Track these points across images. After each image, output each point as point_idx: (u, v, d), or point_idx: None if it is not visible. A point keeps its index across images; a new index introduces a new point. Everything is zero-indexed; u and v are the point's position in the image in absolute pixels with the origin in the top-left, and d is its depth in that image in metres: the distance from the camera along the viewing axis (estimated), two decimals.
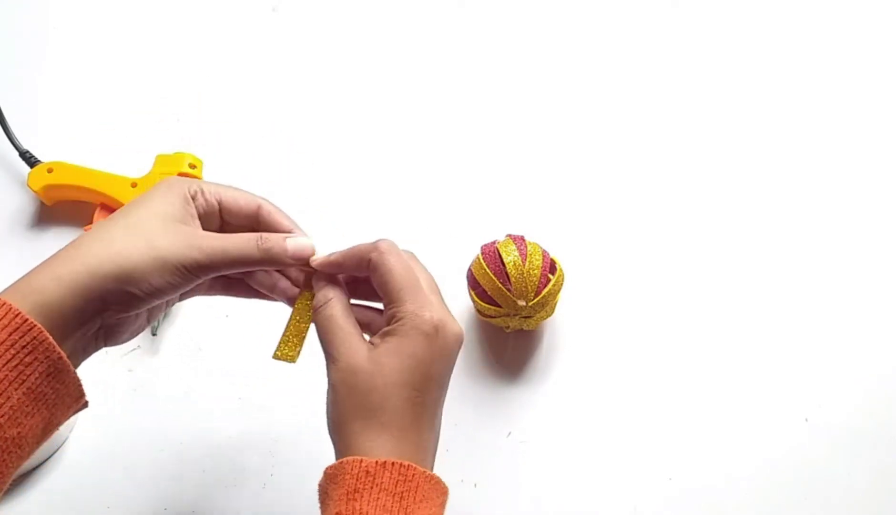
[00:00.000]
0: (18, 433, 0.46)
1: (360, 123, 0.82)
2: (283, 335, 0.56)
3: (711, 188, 0.79)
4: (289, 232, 0.55)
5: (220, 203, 0.54)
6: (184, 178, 0.54)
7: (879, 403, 0.71)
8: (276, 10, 0.88)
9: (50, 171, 0.75)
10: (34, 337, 0.46)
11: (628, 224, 0.78)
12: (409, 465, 0.48)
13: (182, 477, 0.68)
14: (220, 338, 0.73)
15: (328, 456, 0.68)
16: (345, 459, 0.48)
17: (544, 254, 0.68)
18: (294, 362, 0.56)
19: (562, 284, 0.69)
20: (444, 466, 0.68)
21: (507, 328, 0.70)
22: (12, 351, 0.45)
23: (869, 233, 0.78)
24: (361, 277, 0.55)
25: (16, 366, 0.45)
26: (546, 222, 0.76)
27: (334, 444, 0.51)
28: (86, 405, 0.50)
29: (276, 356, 0.56)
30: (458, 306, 0.74)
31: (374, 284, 0.53)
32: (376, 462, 0.47)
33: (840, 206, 0.79)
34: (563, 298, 0.70)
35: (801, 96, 0.84)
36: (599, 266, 0.75)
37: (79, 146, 0.79)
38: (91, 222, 0.75)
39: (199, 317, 0.74)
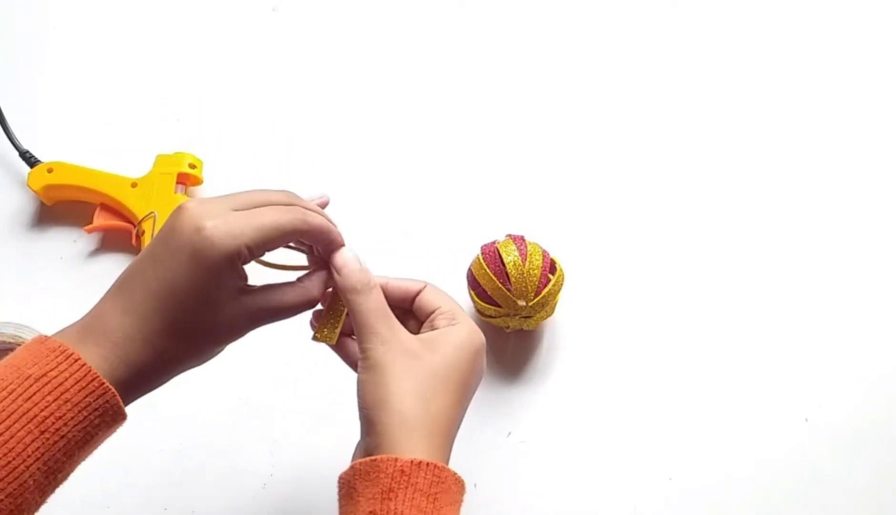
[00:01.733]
0: (67, 475, 0.49)
1: (360, 123, 0.82)
2: (323, 317, 0.56)
3: (711, 189, 0.79)
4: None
5: (266, 249, 0.51)
6: (224, 231, 0.48)
7: (879, 403, 0.71)
8: (276, 10, 0.88)
9: (50, 171, 0.75)
10: (107, 400, 0.48)
11: (628, 225, 0.78)
12: (442, 466, 0.48)
13: (182, 477, 0.68)
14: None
15: (328, 456, 0.68)
16: (379, 457, 0.48)
17: (544, 254, 0.68)
18: (334, 342, 0.56)
19: (562, 284, 0.69)
20: None
21: (507, 328, 0.70)
22: (85, 413, 0.47)
23: (869, 233, 0.78)
24: None
25: (85, 428, 0.47)
26: (546, 222, 0.76)
27: (372, 424, 0.49)
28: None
29: (316, 338, 0.56)
30: None
31: (418, 303, 0.55)
32: (411, 461, 0.47)
33: (840, 206, 0.79)
34: (563, 298, 0.70)
35: (801, 97, 0.84)
36: (599, 266, 0.75)
37: (79, 146, 0.79)
38: (91, 222, 0.75)
39: None
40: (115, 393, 0.47)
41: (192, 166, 0.76)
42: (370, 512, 0.46)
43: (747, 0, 0.88)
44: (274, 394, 0.71)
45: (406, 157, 0.81)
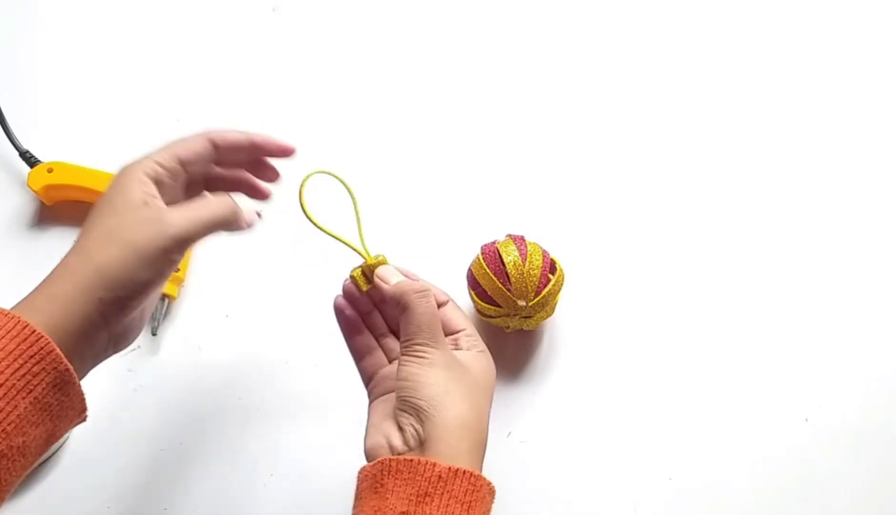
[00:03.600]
0: (23, 442, 0.46)
1: (360, 123, 0.82)
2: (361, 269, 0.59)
3: (711, 189, 0.79)
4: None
5: (180, 161, 0.55)
6: (135, 161, 0.54)
7: (879, 403, 0.71)
8: (276, 10, 0.88)
9: (50, 171, 0.75)
10: (41, 348, 0.47)
11: (628, 225, 0.78)
12: (478, 475, 0.49)
13: (182, 477, 0.68)
14: (220, 338, 0.73)
15: (328, 456, 0.68)
16: (417, 458, 0.48)
17: (544, 254, 0.68)
18: (363, 289, 0.59)
19: (562, 284, 0.69)
20: None
21: (507, 328, 0.70)
22: (20, 361, 0.46)
23: (869, 234, 0.78)
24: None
25: (23, 375, 0.46)
26: (546, 222, 0.76)
27: (428, 418, 0.50)
28: (85, 418, 0.51)
29: (352, 277, 0.59)
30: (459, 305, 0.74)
31: (443, 317, 0.56)
32: (449, 468, 0.48)
33: (839, 207, 0.79)
34: (563, 298, 0.70)
35: (801, 98, 0.84)
36: (599, 266, 0.75)
37: (79, 146, 0.79)
38: None
39: (199, 317, 0.74)
40: (49, 340, 0.47)
41: None
42: (402, 513, 0.47)
43: (747, 1, 0.89)
44: (274, 394, 0.71)
45: (406, 157, 0.81)
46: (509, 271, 0.66)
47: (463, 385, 0.52)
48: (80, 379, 0.50)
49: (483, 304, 0.68)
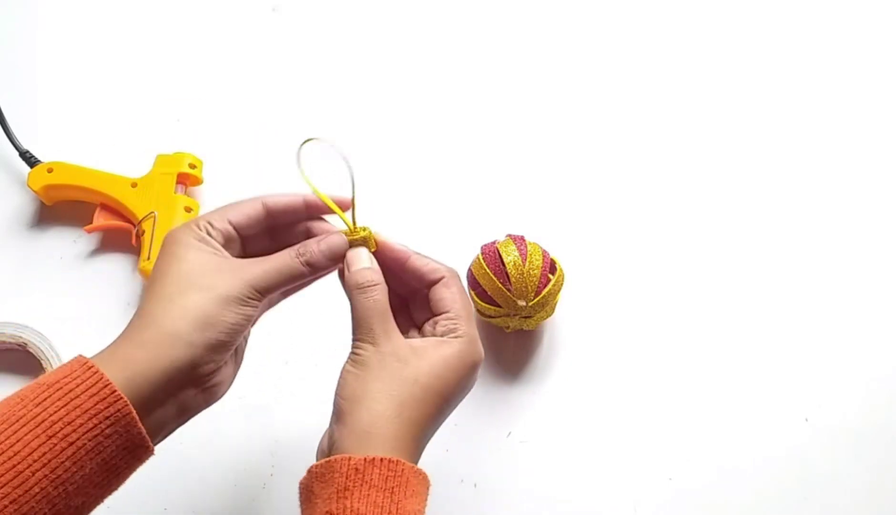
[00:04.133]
0: (83, 502, 0.46)
1: (359, 123, 0.82)
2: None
3: (711, 189, 0.79)
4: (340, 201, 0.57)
5: (233, 225, 0.54)
6: (182, 226, 0.54)
7: (879, 403, 0.71)
8: (276, 10, 0.88)
9: (50, 171, 0.75)
10: (118, 410, 0.46)
11: (628, 225, 0.78)
12: (397, 461, 0.48)
13: (182, 477, 0.68)
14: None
15: None
16: (333, 458, 0.48)
17: (544, 254, 0.68)
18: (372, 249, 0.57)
19: (562, 284, 0.69)
20: (444, 466, 0.68)
21: (507, 328, 0.70)
22: (95, 421, 0.45)
23: (869, 234, 0.78)
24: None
25: (95, 436, 0.45)
26: (546, 222, 0.76)
27: (342, 416, 0.50)
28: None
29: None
30: None
31: (433, 295, 0.55)
32: (364, 459, 0.47)
33: (839, 207, 0.79)
34: (563, 298, 0.70)
35: (801, 98, 0.84)
36: (599, 266, 0.75)
37: (79, 146, 0.79)
38: (91, 222, 0.75)
39: None
40: (127, 402, 0.46)
41: (192, 166, 0.76)
42: (327, 512, 0.47)
43: (747, 1, 0.89)
44: (274, 394, 0.71)
45: (406, 157, 0.81)
46: (509, 271, 0.66)
47: (390, 383, 0.50)
48: (164, 437, 0.50)
49: (483, 304, 0.68)
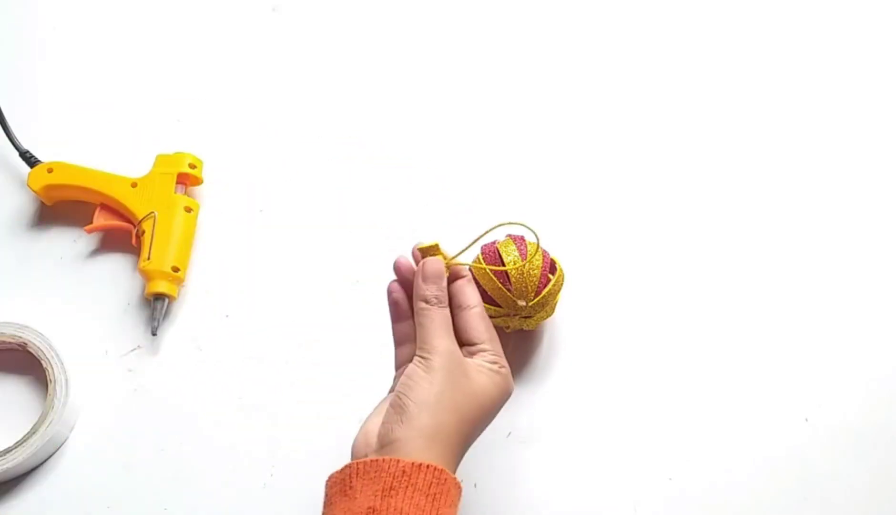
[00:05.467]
0: None
1: (359, 123, 0.82)
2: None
3: (712, 188, 0.79)
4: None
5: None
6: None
7: (879, 403, 0.71)
8: (276, 10, 0.88)
9: (50, 171, 0.75)
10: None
11: (629, 225, 0.78)
12: (442, 469, 0.51)
13: (182, 477, 0.68)
14: (220, 338, 0.73)
15: (327, 455, 0.68)
16: (381, 458, 0.51)
17: (544, 254, 0.68)
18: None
19: (562, 284, 0.69)
20: None
21: (507, 328, 0.70)
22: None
23: (869, 234, 0.78)
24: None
25: None
26: (546, 222, 0.76)
27: (410, 417, 0.53)
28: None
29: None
30: None
31: (466, 321, 0.59)
32: (412, 463, 0.50)
33: (840, 207, 0.79)
34: (563, 298, 0.70)
35: (801, 97, 0.84)
36: (599, 266, 0.75)
37: (79, 146, 0.79)
38: (91, 222, 0.75)
39: (199, 317, 0.74)
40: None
41: (192, 166, 0.76)
42: (369, 508, 0.49)
43: (747, 1, 0.89)
44: (274, 394, 0.71)
45: (406, 157, 0.81)
46: (509, 271, 0.66)
47: (458, 395, 0.54)
48: None
49: (483, 304, 0.68)
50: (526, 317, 0.68)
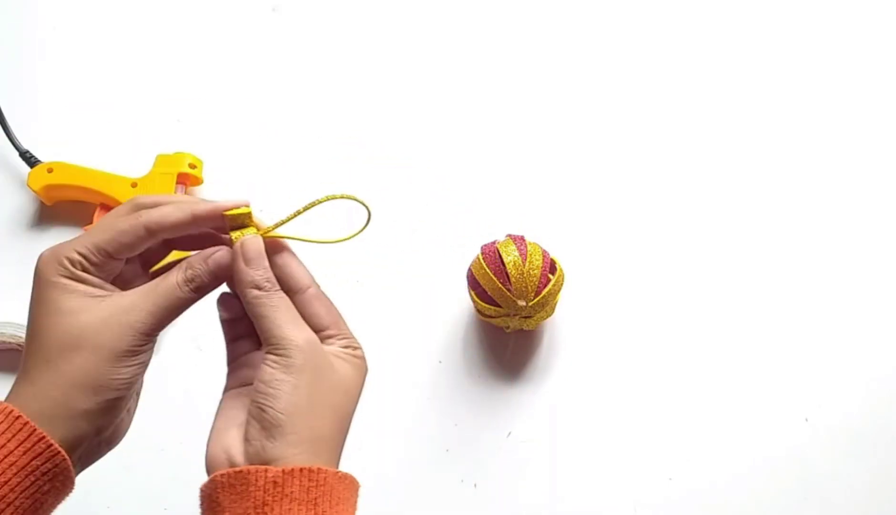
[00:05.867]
0: None
1: (359, 123, 0.82)
2: None
3: (712, 189, 0.79)
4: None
5: (106, 254, 0.49)
6: (50, 259, 0.49)
7: (879, 403, 0.71)
8: (276, 10, 0.88)
9: (50, 171, 0.75)
10: (57, 464, 0.44)
11: (628, 225, 0.78)
12: (318, 469, 0.44)
13: (182, 477, 0.68)
14: (220, 338, 0.73)
15: None
16: (245, 468, 0.44)
17: (544, 254, 0.68)
18: None
19: (562, 284, 0.69)
20: (444, 466, 0.68)
21: (507, 328, 0.70)
22: (32, 478, 0.43)
23: (868, 234, 0.78)
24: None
25: (33, 493, 0.43)
26: (546, 222, 0.76)
27: (283, 430, 0.45)
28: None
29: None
30: (459, 306, 0.74)
31: (305, 305, 0.50)
32: (282, 471, 0.43)
33: (840, 208, 0.79)
34: (563, 298, 0.70)
35: (801, 98, 0.84)
36: (599, 266, 0.75)
37: (79, 146, 0.79)
38: (91, 222, 0.75)
39: (199, 317, 0.74)
40: (66, 456, 0.44)
41: (192, 166, 0.76)
42: None
43: (747, 1, 0.89)
44: None
45: (407, 157, 0.81)
46: (509, 271, 0.66)
47: (330, 392, 0.47)
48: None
49: (483, 304, 0.68)
50: (526, 317, 0.68)
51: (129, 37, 0.86)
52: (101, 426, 0.46)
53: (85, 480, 0.68)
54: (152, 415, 0.70)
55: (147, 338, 0.47)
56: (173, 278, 0.48)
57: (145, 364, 0.48)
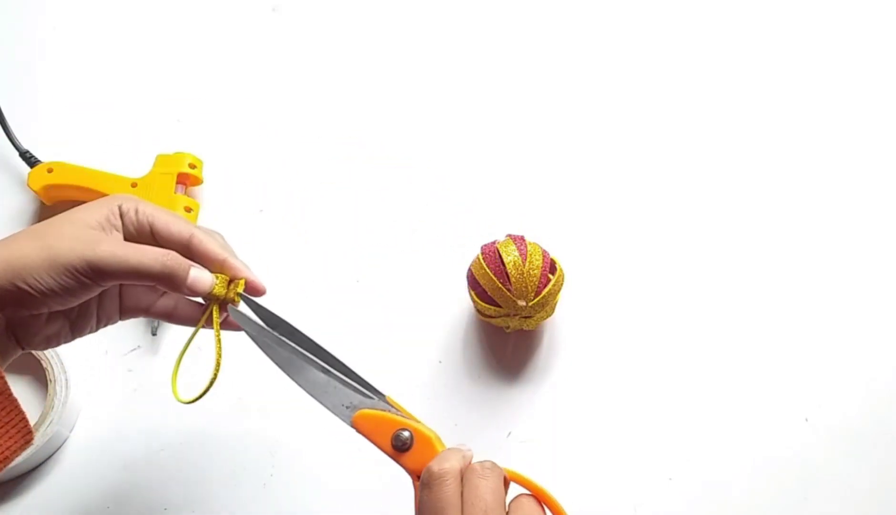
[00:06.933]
0: None
1: (359, 123, 0.82)
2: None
3: (711, 189, 0.79)
4: (219, 261, 0.55)
5: (151, 226, 0.54)
6: (125, 195, 0.54)
7: (879, 403, 0.71)
8: (276, 10, 0.88)
9: (50, 171, 0.75)
10: None
11: (628, 224, 0.78)
12: None
13: (182, 477, 0.68)
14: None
15: (327, 456, 0.68)
16: None
17: (544, 254, 0.68)
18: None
19: (562, 284, 0.69)
20: None
21: (507, 328, 0.70)
22: None
23: (868, 234, 0.78)
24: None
25: None
26: (546, 222, 0.76)
27: None
28: (30, 442, 0.50)
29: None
30: (459, 306, 0.74)
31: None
32: None
33: (839, 207, 0.79)
34: (563, 298, 0.70)
35: (801, 98, 0.84)
36: (599, 266, 0.75)
37: (79, 146, 0.79)
38: None
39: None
40: None
41: (192, 166, 0.76)
42: None
43: (747, 1, 0.89)
44: (274, 394, 0.71)
45: (406, 157, 0.81)
46: (509, 271, 0.66)
47: None
48: None
49: (483, 304, 0.68)
50: (526, 317, 0.68)
51: (129, 37, 0.86)
52: (5, 310, 0.50)
53: (85, 480, 0.68)
54: (152, 415, 0.70)
55: (89, 270, 0.50)
56: (156, 248, 0.52)
57: (71, 294, 0.50)
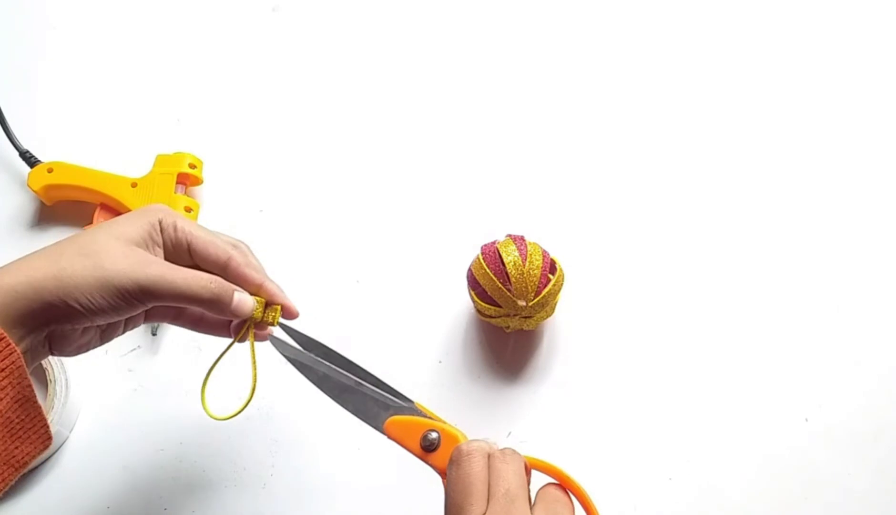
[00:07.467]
0: None
1: (359, 123, 0.82)
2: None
3: (711, 189, 0.79)
4: (256, 286, 0.56)
5: (189, 244, 0.54)
6: (163, 207, 0.55)
7: (879, 403, 0.71)
8: (276, 10, 0.88)
9: (50, 171, 0.75)
10: (13, 362, 0.46)
11: (628, 225, 0.78)
12: None
13: (182, 477, 0.68)
14: (219, 338, 0.73)
15: (328, 456, 0.68)
16: None
17: (544, 254, 0.68)
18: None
19: (562, 284, 0.69)
20: None
21: (507, 328, 0.70)
22: None
23: (868, 234, 0.78)
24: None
25: None
26: (546, 222, 0.76)
27: None
28: (48, 445, 0.50)
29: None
30: (459, 306, 0.74)
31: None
32: None
33: (839, 207, 0.79)
34: (563, 298, 0.70)
35: (801, 98, 0.84)
36: (599, 266, 0.75)
37: (79, 146, 0.79)
38: (91, 222, 0.75)
39: None
40: (20, 354, 0.46)
41: (192, 166, 0.76)
42: None
43: (746, 1, 0.89)
44: (274, 394, 0.71)
45: (406, 157, 0.81)
46: (509, 271, 0.66)
47: None
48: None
49: (483, 304, 0.68)
50: (526, 317, 0.68)
51: (129, 37, 0.86)
52: (52, 325, 0.49)
53: (85, 480, 0.68)
54: (152, 415, 0.70)
55: (138, 290, 0.50)
56: (202, 273, 0.53)
57: (118, 311, 0.51)
